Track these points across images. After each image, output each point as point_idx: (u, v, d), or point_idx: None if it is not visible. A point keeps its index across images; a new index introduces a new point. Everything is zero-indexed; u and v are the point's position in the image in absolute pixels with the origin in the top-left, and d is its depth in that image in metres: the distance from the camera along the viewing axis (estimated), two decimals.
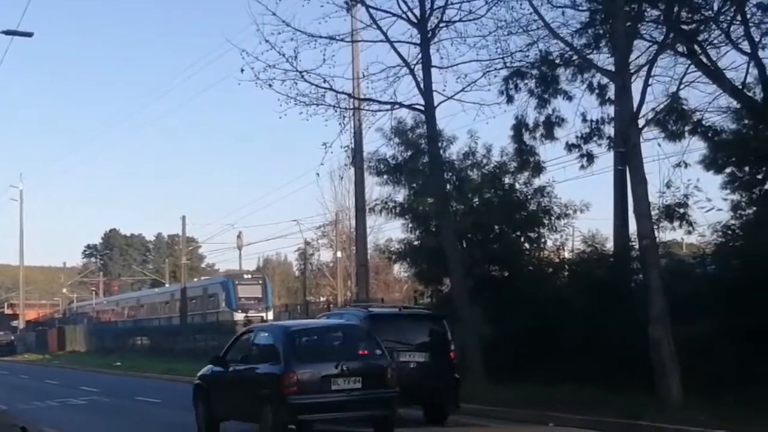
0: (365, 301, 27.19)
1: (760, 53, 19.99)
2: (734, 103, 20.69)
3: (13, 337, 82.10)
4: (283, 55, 21.53)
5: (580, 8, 20.84)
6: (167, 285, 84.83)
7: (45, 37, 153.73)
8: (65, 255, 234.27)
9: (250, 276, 63.01)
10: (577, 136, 22.10)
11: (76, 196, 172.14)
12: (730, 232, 19.79)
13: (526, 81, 22.15)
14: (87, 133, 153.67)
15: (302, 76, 21.82)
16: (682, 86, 20.19)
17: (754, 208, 20.31)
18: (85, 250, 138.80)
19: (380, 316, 18.26)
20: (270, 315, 53.73)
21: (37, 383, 34.15)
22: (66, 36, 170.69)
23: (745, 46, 19.99)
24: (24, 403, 24.66)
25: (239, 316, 52.55)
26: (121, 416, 21.04)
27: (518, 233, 25.38)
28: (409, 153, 26.21)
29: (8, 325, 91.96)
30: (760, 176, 20.73)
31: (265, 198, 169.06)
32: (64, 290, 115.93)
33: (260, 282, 60.80)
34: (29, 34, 29.57)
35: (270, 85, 21.66)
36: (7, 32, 29.11)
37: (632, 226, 20.90)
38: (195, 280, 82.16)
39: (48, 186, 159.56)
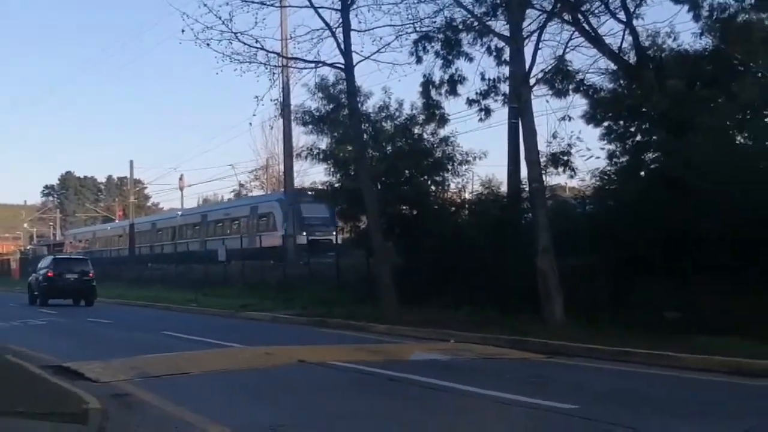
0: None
1: (635, 22, 20.11)
2: (612, 65, 20.83)
3: None
4: (220, 18, 21.18)
5: None
6: (118, 221, 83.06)
7: None
8: (25, 194, 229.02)
9: (312, 194, 42.21)
10: (476, 93, 22.00)
11: (35, 141, 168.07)
12: (606, 177, 19.97)
13: (433, 44, 21.97)
14: (43, 87, 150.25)
15: (236, 37, 21.48)
16: (567, 50, 20.23)
17: (627, 157, 20.53)
18: (43, 190, 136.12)
19: (59, 258, 37.54)
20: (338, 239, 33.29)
21: (1, 308, 33.18)
22: None
23: (622, 15, 20.08)
24: None
25: (300, 239, 38.79)
26: (70, 334, 20.72)
27: (425, 177, 25.38)
28: (331, 106, 25.96)
29: None
30: (632, 129, 20.94)
31: (204, 144, 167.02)
32: (25, 225, 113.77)
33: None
34: None
35: (208, 45, 21.30)
36: None
37: (523, 172, 21.03)
38: (231, 198, 63.11)
39: (7, 132, 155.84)
